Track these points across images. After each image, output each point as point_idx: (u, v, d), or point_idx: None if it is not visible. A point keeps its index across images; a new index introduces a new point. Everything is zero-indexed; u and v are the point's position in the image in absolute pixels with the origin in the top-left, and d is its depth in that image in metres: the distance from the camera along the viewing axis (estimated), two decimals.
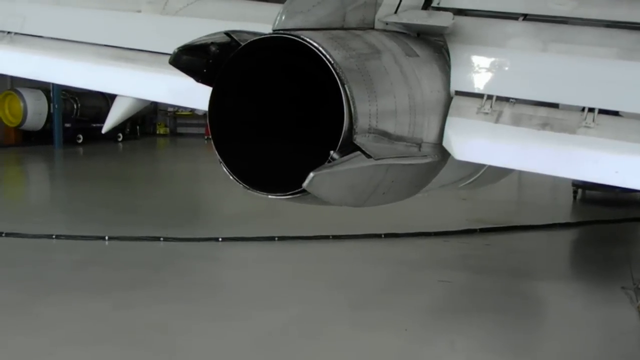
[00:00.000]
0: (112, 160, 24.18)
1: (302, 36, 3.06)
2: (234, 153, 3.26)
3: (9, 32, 5.27)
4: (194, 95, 3.73)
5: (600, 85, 3.89)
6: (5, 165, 22.03)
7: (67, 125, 27.41)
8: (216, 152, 3.21)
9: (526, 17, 4.13)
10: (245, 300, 8.13)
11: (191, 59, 3.36)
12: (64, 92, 27.01)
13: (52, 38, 5.21)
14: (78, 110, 27.93)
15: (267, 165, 3.30)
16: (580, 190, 15.70)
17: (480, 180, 5.23)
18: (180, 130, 34.98)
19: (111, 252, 10.42)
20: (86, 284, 8.67)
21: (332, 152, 2.95)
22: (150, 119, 34.06)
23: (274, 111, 3.41)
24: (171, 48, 3.56)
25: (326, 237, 11.03)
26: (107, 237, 10.89)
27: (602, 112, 3.80)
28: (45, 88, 26.33)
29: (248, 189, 3.19)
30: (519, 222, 12.66)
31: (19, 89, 26.14)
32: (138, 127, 31.24)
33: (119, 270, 9.31)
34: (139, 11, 4.97)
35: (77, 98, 27.59)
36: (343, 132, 2.98)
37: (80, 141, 27.56)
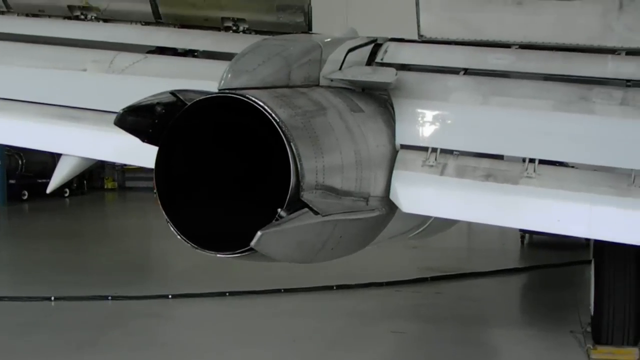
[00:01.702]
0: (58, 217, 23.66)
1: (247, 95, 3.10)
2: (181, 212, 3.25)
3: None
4: (141, 153, 3.71)
5: (539, 137, 4.01)
6: None
7: (12, 181, 26.81)
8: (163, 212, 3.20)
9: (467, 71, 4.26)
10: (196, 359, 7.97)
11: (136, 120, 3.36)
12: (8, 148, 26.51)
13: None
14: (23, 166, 27.35)
15: (215, 223, 3.29)
16: (527, 235, 15.96)
17: (429, 230, 5.30)
18: (128, 184, 34.49)
19: (58, 314, 10.12)
20: (31, 348, 8.38)
21: (279, 209, 2.96)
22: (97, 173, 33.54)
23: (220, 170, 3.42)
24: (117, 106, 3.56)
25: (278, 291, 10.94)
26: (53, 298, 10.58)
27: (543, 162, 3.91)
28: None
29: (196, 248, 3.18)
30: (469, 268, 12.77)
31: None
32: (85, 182, 30.72)
33: (65, 333, 9.03)
34: (85, 70, 4.96)
35: (22, 154, 27.07)
36: (290, 189, 3.00)
37: (25, 197, 26.93)
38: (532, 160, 3.85)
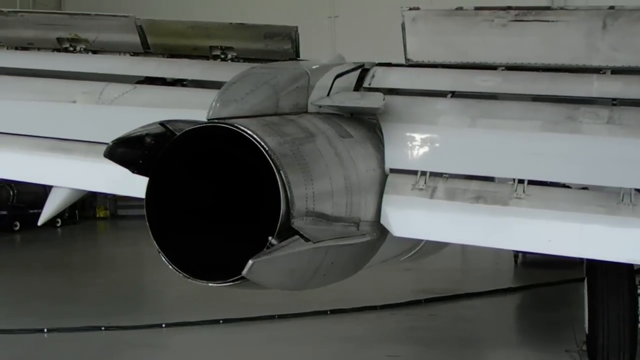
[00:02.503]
0: (50, 247, 23.52)
1: (236, 124, 3.12)
2: (173, 242, 3.25)
3: None
4: (132, 183, 3.72)
5: (527, 157, 4.02)
6: None
7: (3, 212, 26.70)
8: (154, 242, 3.20)
9: (454, 94, 4.29)
10: None
11: (126, 151, 3.37)
12: None
13: None
14: (14, 197, 27.26)
15: (206, 252, 3.29)
16: (520, 255, 15.96)
17: (421, 253, 5.30)
18: (120, 212, 34.37)
19: (51, 346, 10.04)
20: None
21: (270, 237, 2.96)
22: (89, 202, 33.44)
23: (211, 198, 3.42)
24: (107, 137, 3.57)
25: (272, 317, 10.88)
26: (46, 330, 10.50)
27: (532, 182, 3.92)
28: None
29: (188, 277, 3.18)
30: (463, 289, 12.75)
31: None
32: (77, 211, 30.63)
33: None
34: (74, 101, 4.97)
35: (13, 185, 27.00)
36: (280, 216, 3.01)
37: (17, 228, 26.81)
38: (521, 181, 3.86)
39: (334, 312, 11.12)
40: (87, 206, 33.15)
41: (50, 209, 5.32)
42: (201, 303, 11.65)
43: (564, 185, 4.12)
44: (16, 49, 5.72)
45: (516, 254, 15.87)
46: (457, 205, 3.84)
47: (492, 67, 4.40)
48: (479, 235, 3.92)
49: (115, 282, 15.60)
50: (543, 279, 13.66)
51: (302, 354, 9.21)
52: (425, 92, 4.36)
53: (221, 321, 10.74)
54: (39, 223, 5.74)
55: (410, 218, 3.85)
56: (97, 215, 33.69)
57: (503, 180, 4.00)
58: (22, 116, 5.15)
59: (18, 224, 26.92)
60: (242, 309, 10.97)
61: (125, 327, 10.55)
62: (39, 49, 5.66)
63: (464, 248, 17.34)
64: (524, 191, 3.83)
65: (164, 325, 10.64)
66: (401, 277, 13.84)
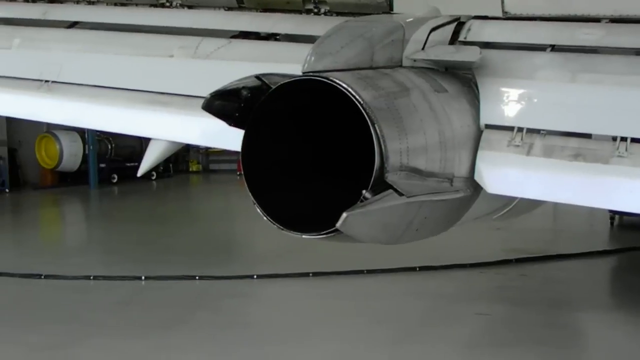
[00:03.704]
0: (146, 199, 24.43)
1: (331, 77, 3.11)
2: (267, 194, 3.30)
3: (46, 81, 5.40)
4: (227, 137, 3.78)
5: (631, 114, 3.85)
6: (42, 207, 22.39)
7: (102, 165, 27.79)
8: (250, 194, 3.26)
9: (554, 47, 4.13)
10: (281, 339, 8.12)
11: (223, 104, 3.42)
12: (98, 134, 27.48)
13: (87, 85, 5.33)
14: (112, 151, 28.33)
15: (300, 205, 3.33)
16: (617, 217, 15.47)
17: (514, 211, 5.20)
18: (212, 167, 35.26)
19: (148, 292, 10.50)
20: (124, 325, 8.74)
21: (364, 191, 2.97)
22: (183, 157, 34.42)
23: (305, 152, 3.45)
24: (203, 91, 3.63)
25: (360, 272, 10.99)
26: (143, 277, 10.97)
27: (635, 140, 3.76)
28: (80, 130, 26.76)
29: (282, 229, 3.22)
30: (556, 250, 12.50)
31: (54, 131, 26.64)
32: (171, 165, 31.58)
33: (156, 311, 9.36)
34: (172, 56, 5.07)
35: (111, 139, 28.02)
36: (374, 170, 3.01)
37: (115, 181, 27.90)
38: (623, 139, 3.71)
39: (422, 268, 11.13)
40: (180, 160, 34.16)
41: (148, 161, 5.48)
42: (291, 256, 11.89)
43: None
44: (115, 5, 5.87)
45: (612, 215, 15.40)
46: (555, 162, 3.73)
47: (595, 20, 4.21)
48: (577, 194, 3.80)
49: (208, 233, 16.08)
50: None
51: (391, 309, 9.29)
52: (524, 46, 4.22)
53: (311, 274, 10.94)
54: (138, 174, 5.93)
55: (505, 175, 3.77)
56: (190, 169, 34.69)
57: (604, 138, 3.86)
58: (121, 70, 5.29)
59: (116, 176, 28.02)
60: (331, 263, 11.12)
61: (218, 277, 10.90)
62: (136, 4, 5.79)
63: (556, 208, 16.94)
64: (626, 149, 3.68)
65: (255, 277, 10.94)
66: (492, 236, 13.69)
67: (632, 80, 3.91)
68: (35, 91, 5.39)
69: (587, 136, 3.91)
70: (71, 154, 26.88)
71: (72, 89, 5.33)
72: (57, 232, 18.77)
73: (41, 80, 5.42)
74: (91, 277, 11.12)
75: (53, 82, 5.39)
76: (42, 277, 11.13)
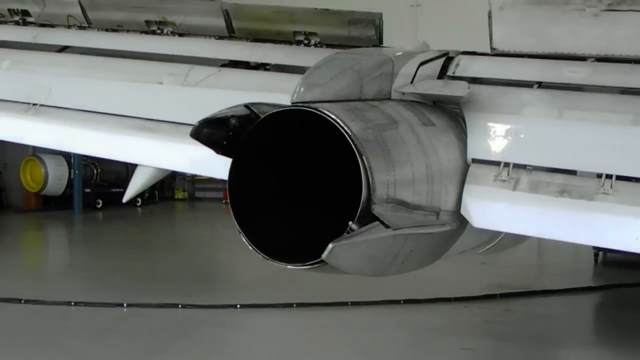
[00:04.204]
0: (131, 225, 24.25)
1: (320, 108, 3.12)
2: (253, 223, 3.29)
3: (34, 104, 5.40)
4: (214, 165, 3.78)
5: (616, 152, 3.89)
6: (26, 231, 22.18)
7: (87, 190, 27.60)
8: (235, 223, 3.25)
9: (541, 84, 4.18)
10: None
11: (211, 132, 3.43)
12: (84, 158, 27.36)
13: (75, 109, 5.32)
14: (98, 176, 28.17)
15: (286, 235, 3.32)
16: (601, 253, 15.51)
17: (499, 245, 5.21)
18: (198, 194, 35.12)
19: (130, 319, 10.38)
20: (104, 352, 8.62)
21: (350, 222, 2.97)
22: (168, 184, 34.29)
23: (292, 182, 3.45)
24: (191, 118, 3.64)
25: (345, 304, 10.92)
26: (125, 304, 10.86)
27: (620, 178, 3.79)
28: (66, 154, 26.64)
29: (267, 259, 3.21)
30: (540, 286, 12.49)
31: (40, 155, 26.50)
32: (157, 192, 31.43)
33: (137, 338, 9.25)
34: (161, 83, 5.09)
35: (97, 164, 27.89)
36: (361, 202, 3.01)
37: (99, 206, 27.70)
38: (608, 176, 3.74)
39: (407, 301, 11.09)
40: (166, 187, 34.00)
41: (134, 187, 5.47)
42: (275, 286, 11.81)
43: None
44: (106, 30, 5.89)
45: (596, 252, 15.44)
46: (541, 198, 3.75)
47: (581, 58, 4.26)
48: (562, 230, 3.81)
49: (192, 261, 15.96)
50: (624, 280, 13.24)
51: (374, 342, 9.22)
52: (511, 82, 4.26)
53: (294, 305, 10.86)
54: (124, 200, 5.91)
55: (491, 209, 3.78)
56: (176, 197, 34.50)
57: (589, 175, 3.89)
58: (110, 95, 5.30)
59: (100, 201, 27.84)
60: (316, 294, 11.06)
61: (201, 306, 10.80)
62: (128, 31, 5.81)
63: (540, 244, 16.97)
64: (611, 186, 3.71)
65: (238, 306, 10.84)
66: (476, 270, 13.67)
67: (617, 118, 3.95)
68: (22, 114, 5.38)
69: (573, 172, 3.93)
70: (56, 178, 26.70)
71: (60, 112, 5.32)
72: (39, 256, 18.57)
73: (29, 104, 5.42)
74: (72, 303, 10.98)
75: (41, 105, 5.39)
76: (22, 301, 10.99)
